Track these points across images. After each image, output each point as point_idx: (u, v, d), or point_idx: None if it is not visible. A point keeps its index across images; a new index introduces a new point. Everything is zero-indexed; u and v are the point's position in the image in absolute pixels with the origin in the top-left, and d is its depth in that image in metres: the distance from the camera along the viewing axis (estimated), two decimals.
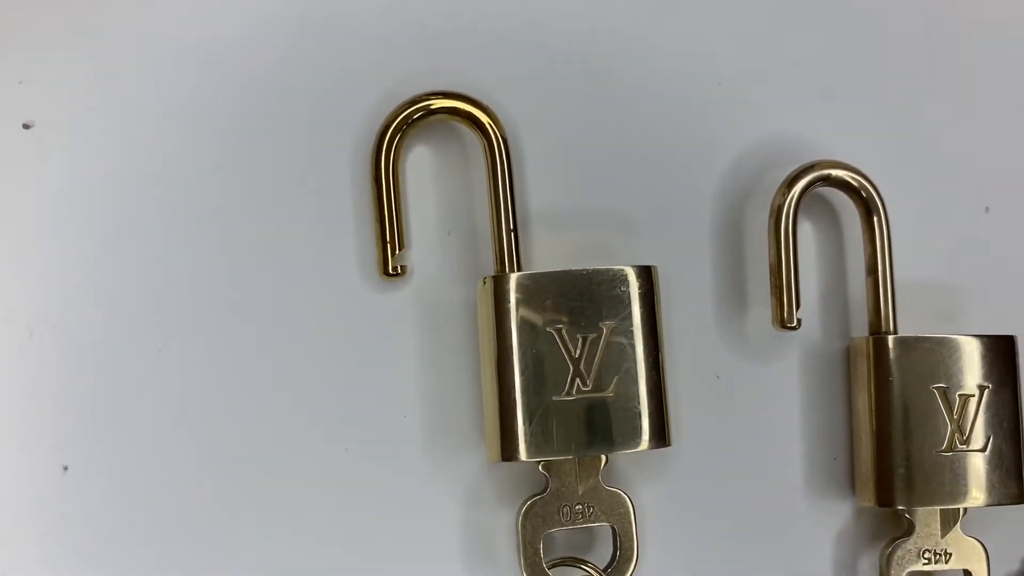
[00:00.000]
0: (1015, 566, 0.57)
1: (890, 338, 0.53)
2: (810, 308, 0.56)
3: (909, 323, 0.55)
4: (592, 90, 0.55)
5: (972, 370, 0.53)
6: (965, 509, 0.54)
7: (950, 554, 0.54)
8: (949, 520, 0.54)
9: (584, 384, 0.49)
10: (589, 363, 0.50)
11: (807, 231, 0.56)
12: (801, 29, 0.56)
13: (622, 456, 0.53)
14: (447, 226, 0.53)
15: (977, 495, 0.53)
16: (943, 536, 0.54)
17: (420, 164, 0.53)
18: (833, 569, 0.55)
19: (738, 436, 0.55)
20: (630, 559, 0.51)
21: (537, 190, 0.54)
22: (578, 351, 0.49)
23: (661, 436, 0.50)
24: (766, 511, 0.55)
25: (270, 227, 0.52)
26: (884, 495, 0.53)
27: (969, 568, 0.54)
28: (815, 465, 0.55)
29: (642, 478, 0.54)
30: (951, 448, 0.53)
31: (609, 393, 0.50)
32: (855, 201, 0.55)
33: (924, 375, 0.53)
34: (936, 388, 0.53)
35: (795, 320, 0.53)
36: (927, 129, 0.57)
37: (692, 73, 0.55)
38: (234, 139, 0.52)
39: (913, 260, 0.57)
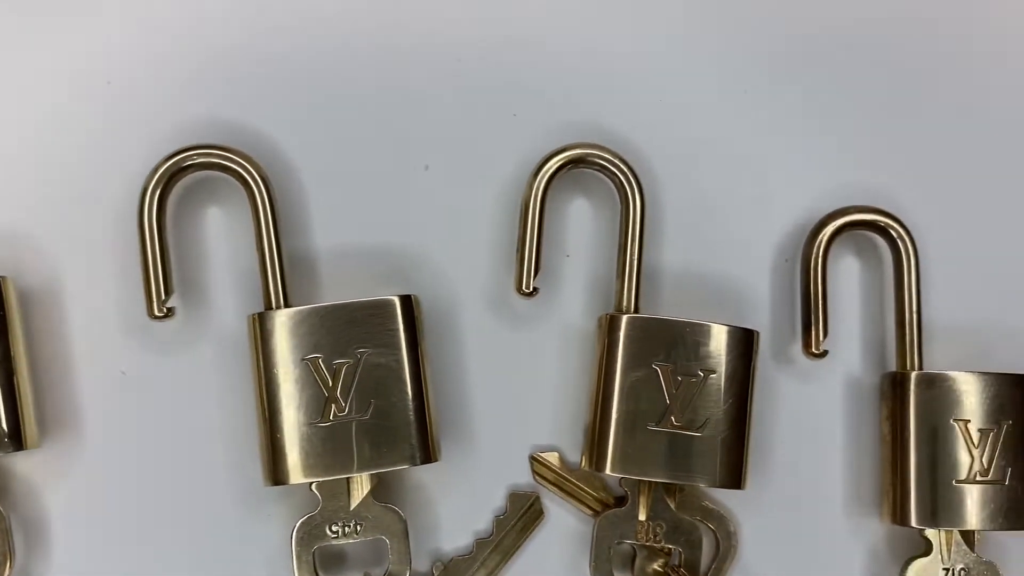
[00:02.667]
0: None
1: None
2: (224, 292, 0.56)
3: (349, 290, 0.55)
4: None
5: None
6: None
7: (360, 524, 0.53)
8: (359, 489, 0.53)
9: None
10: None
11: (216, 216, 0.56)
12: None
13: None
14: None
15: None
16: (352, 507, 0.53)
17: None
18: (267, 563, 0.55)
19: (155, 432, 0.55)
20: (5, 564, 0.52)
21: None
22: None
23: (17, 437, 0.51)
24: (193, 508, 0.55)
25: None
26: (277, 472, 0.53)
27: (384, 536, 0.53)
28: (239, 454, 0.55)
29: (50, 480, 0.54)
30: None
31: None
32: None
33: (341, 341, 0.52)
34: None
35: (164, 310, 0.53)
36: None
37: None
38: None
39: (357, 226, 0.57)
